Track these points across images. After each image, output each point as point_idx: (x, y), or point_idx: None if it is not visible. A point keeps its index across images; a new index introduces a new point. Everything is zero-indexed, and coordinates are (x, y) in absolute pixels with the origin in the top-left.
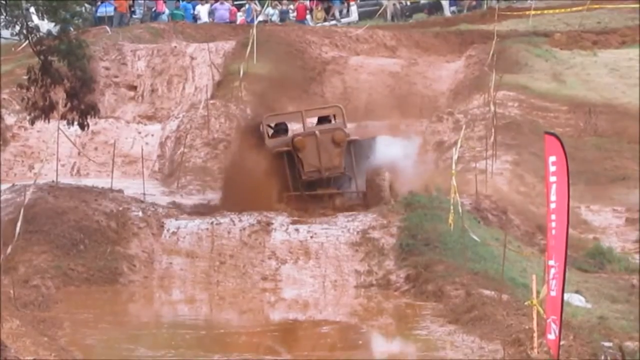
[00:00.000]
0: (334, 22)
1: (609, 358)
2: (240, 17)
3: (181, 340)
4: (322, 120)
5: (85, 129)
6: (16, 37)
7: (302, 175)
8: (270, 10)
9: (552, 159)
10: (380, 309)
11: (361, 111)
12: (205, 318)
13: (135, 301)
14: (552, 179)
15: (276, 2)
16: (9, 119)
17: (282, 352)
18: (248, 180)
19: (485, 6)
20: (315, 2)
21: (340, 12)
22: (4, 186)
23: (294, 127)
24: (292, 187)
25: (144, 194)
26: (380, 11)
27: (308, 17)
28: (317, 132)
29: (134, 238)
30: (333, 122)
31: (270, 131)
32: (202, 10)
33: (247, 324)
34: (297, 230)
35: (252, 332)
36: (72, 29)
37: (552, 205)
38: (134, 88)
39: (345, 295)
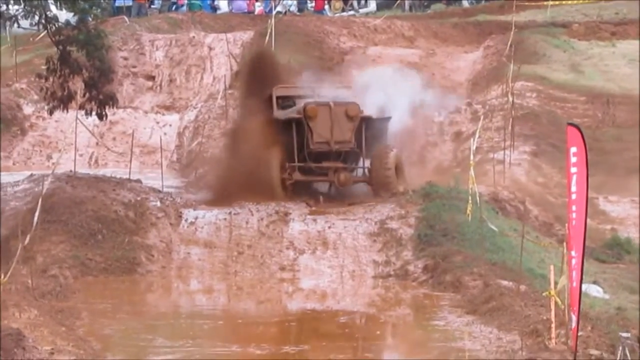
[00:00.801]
0: (352, 12)
1: (626, 349)
2: (258, 7)
3: (199, 331)
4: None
5: (104, 119)
6: (35, 27)
7: (310, 145)
8: (288, 0)
9: (574, 149)
10: (398, 300)
11: None
12: (223, 308)
13: (153, 291)
14: (573, 169)
15: None
16: (27, 109)
17: (300, 342)
18: (250, 149)
19: None
20: None
21: (358, 2)
22: (23, 175)
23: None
24: (297, 157)
25: (162, 184)
26: (398, 1)
27: (326, 7)
28: (331, 103)
29: (152, 228)
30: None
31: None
32: (221, 1)
33: (264, 314)
34: (314, 220)
35: (269, 322)
36: (90, 19)
37: (573, 196)
38: (152, 78)
39: (363, 285)
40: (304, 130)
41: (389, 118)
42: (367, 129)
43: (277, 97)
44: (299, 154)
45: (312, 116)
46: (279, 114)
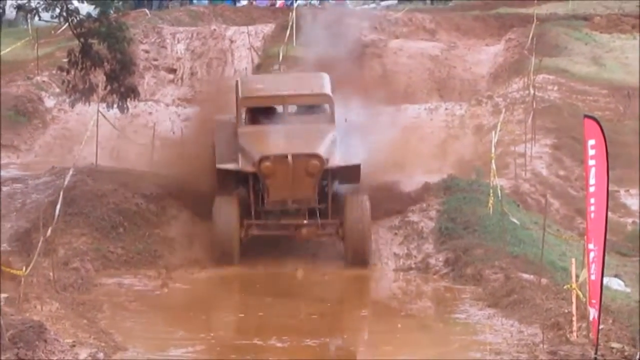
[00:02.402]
0: (373, 4)
1: None
2: (279, 0)
3: (220, 324)
4: (308, 109)
5: (125, 111)
6: (56, 20)
7: (266, 204)
8: None
9: (591, 142)
10: (419, 293)
11: (400, 94)
12: (243, 301)
13: (174, 284)
14: (591, 162)
15: None
16: (49, 102)
17: (320, 335)
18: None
19: None
20: None
21: None
22: (45, 168)
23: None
24: (254, 212)
25: None
26: None
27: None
28: (289, 157)
29: (173, 221)
30: (320, 112)
31: (243, 116)
32: None
33: (285, 308)
34: None
35: (290, 315)
36: (112, 12)
37: (591, 189)
38: (173, 71)
39: (384, 278)
40: (259, 183)
41: (358, 165)
42: (334, 178)
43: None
44: (256, 207)
45: (268, 174)
46: (245, 132)
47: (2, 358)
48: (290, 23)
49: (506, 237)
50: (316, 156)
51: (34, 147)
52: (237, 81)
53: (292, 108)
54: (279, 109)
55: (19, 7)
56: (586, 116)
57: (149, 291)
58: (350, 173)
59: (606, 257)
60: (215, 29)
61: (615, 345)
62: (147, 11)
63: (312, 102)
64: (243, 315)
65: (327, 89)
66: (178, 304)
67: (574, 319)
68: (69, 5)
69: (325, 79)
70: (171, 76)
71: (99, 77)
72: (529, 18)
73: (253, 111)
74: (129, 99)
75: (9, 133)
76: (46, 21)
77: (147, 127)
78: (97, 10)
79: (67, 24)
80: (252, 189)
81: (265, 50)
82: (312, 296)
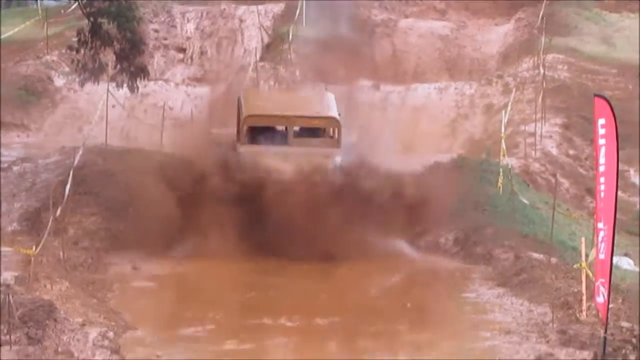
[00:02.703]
0: None
1: None
2: None
3: (230, 302)
4: (313, 131)
5: (135, 91)
6: (65, 0)
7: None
8: None
9: (602, 121)
10: (429, 272)
11: (410, 74)
12: (253, 280)
13: (184, 264)
14: (601, 141)
15: None
16: (59, 81)
17: (330, 315)
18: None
19: None
20: None
21: None
22: (55, 148)
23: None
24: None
25: None
26: None
27: None
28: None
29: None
30: (327, 135)
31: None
32: None
33: (297, 285)
34: None
35: (302, 294)
36: None
37: (601, 168)
38: (183, 50)
39: (394, 257)
40: None
41: None
42: None
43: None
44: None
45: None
46: (244, 151)
47: (12, 337)
48: (300, 2)
49: (516, 216)
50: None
51: (44, 127)
52: (239, 97)
53: (296, 127)
54: (282, 128)
55: None
56: (596, 95)
57: (158, 271)
58: None
59: (615, 237)
60: (224, 8)
61: (625, 324)
62: None
63: (319, 125)
64: (253, 293)
65: (335, 112)
66: (188, 284)
67: (584, 298)
68: None
69: (332, 99)
70: (181, 55)
71: (108, 57)
72: None
73: (255, 129)
74: (138, 79)
75: (19, 112)
76: (56, 0)
77: (157, 106)
78: None
79: (76, 3)
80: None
81: (275, 30)
82: (319, 275)
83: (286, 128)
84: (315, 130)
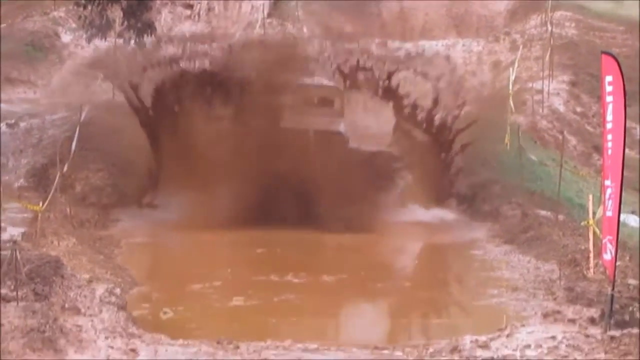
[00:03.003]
0: None
1: None
2: None
3: (238, 259)
4: (320, 101)
5: (142, 47)
6: None
7: None
8: None
9: (609, 78)
10: (437, 229)
11: (418, 31)
12: (261, 238)
13: (192, 221)
14: (609, 98)
15: None
16: (66, 37)
17: (338, 272)
18: None
19: None
20: None
21: None
22: (61, 104)
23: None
24: None
25: None
26: None
27: None
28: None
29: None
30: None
31: None
32: None
33: (305, 243)
34: None
35: (309, 252)
36: None
37: (608, 125)
38: (190, 7)
39: (401, 215)
40: None
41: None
42: None
43: None
44: None
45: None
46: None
47: (18, 293)
48: None
49: (523, 173)
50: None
51: (51, 83)
52: None
53: None
54: None
55: None
56: (604, 52)
57: (166, 227)
58: None
59: (623, 194)
60: None
61: (632, 281)
62: None
63: (321, 94)
64: (262, 250)
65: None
66: (196, 240)
67: (591, 255)
68: None
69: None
70: (188, 12)
71: (115, 13)
72: None
73: None
74: (145, 35)
75: (26, 68)
76: None
77: None
78: None
79: None
80: None
81: None
82: (327, 235)
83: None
84: (324, 100)
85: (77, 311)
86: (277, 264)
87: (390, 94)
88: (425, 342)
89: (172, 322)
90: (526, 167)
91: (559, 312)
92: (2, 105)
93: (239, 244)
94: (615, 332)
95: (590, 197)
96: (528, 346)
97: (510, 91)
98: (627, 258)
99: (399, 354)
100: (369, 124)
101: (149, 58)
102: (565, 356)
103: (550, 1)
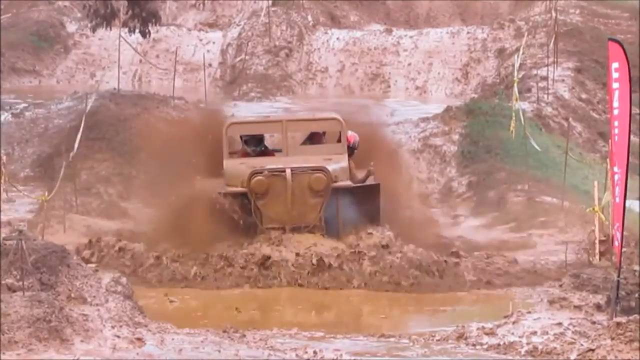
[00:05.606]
0: None
1: None
2: None
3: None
4: (312, 137)
5: (147, 36)
6: None
7: (259, 231)
8: None
9: (615, 65)
10: (442, 215)
11: (422, 18)
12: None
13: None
14: (615, 85)
15: None
16: (71, 27)
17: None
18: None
19: None
20: None
21: None
22: (67, 93)
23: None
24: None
25: (205, 100)
26: None
27: None
28: (288, 172)
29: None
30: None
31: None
32: None
33: None
34: None
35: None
36: None
37: (615, 112)
38: None
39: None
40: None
41: (377, 185)
42: (345, 198)
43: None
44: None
45: (260, 193)
46: (229, 166)
47: (24, 282)
48: None
49: (529, 160)
50: (321, 170)
51: (56, 72)
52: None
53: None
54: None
55: None
56: (610, 39)
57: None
58: (367, 194)
59: (629, 180)
60: None
61: (637, 267)
62: None
63: (318, 128)
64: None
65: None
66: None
67: (597, 241)
68: None
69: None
70: (193, 1)
71: (120, 2)
72: None
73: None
74: (150, 24)
75: (31, 58)
76: None
77: (169, 51)
78: None
79: None
80: (241, 211)
81: None
82: None
83: (282, 133)
84: (317, 135)
85: (83, 300)
86: None
87: None
88: (431, 330)
89: (179, 311)
90: (531, 154)
91: (564, 298)
92: (8, 95)
93: None
94: (622, 319)
95: (596, 183)
96: (534, 333)
97: (515, 78)
98: (633, 244)
99: (405, 341)
100: None
101: None
102: (572, 342)
103: None
